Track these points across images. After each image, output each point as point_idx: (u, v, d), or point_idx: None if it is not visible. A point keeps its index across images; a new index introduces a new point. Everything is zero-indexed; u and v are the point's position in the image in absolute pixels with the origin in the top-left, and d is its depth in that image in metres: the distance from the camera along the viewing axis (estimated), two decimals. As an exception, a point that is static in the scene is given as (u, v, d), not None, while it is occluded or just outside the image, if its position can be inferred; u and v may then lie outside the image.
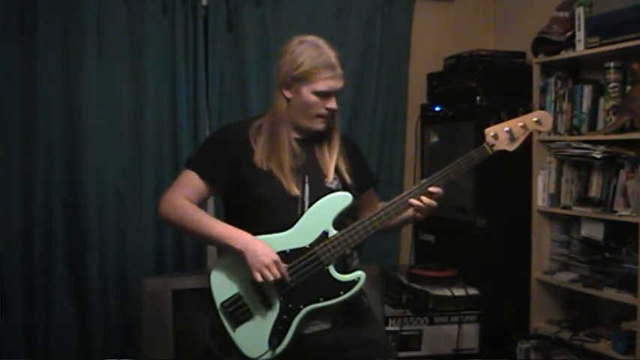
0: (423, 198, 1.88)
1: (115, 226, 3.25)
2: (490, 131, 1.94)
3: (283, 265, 1.85)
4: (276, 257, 1.83)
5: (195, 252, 3.33)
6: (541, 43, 3.08)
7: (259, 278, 1.82)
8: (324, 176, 1.95)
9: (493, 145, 1.93)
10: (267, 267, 1.81)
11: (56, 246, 3.18)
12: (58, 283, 3.18)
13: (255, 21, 3.38)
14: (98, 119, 3.21)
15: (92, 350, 3.20)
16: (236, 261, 1.88)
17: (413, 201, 1.88)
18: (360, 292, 1.93)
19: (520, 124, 1.95)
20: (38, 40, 3.10)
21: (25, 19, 3.09)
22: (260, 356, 1.84)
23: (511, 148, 1.95)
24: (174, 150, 3.30)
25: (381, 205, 1.97)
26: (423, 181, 1.91)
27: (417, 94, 3.70)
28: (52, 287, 3.17)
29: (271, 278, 1.81)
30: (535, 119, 1.96)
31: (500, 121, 1.98)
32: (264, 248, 1.84)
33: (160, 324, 2.79)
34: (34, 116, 3.13)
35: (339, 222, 1.90)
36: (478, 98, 3.24)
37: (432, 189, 1.88)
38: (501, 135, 1.94)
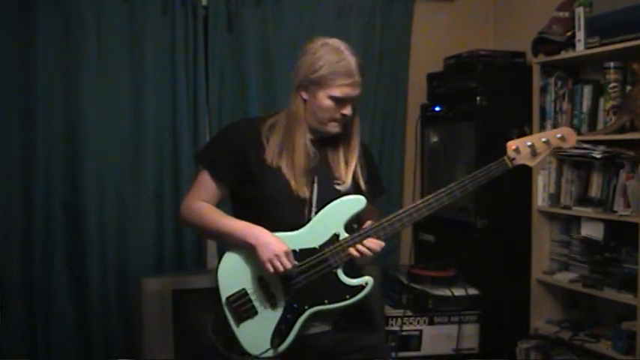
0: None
1: (115, 226, 3.25)
2: (512, 145, 1.92)
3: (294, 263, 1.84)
4: (287, 248, 1.83)
5: (195, 252, 3.34)
6: (541, 43, 3.08)
7: (270, 268, 1.81)
8: (334, 177, 1.94)
9: (514, 159, 1.92)
10: (277, 257, 1.81)
11: (56, 246, 3.19)
12: (58, 283, 3.19)
13: (255, 21, 3.38)
14: (98, 119, 3.21)
15: (92, 350, 3.21)
16: (244, 256, 1.89)
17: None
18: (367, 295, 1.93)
19: (543, 139, 1.92)
20: (38, 39, 3.11)
21: (25, 19, 3.09)
22: (261, 354, 1.84)
23: (532, 163, 1.94)
24: (175, 150, 3.30)
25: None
26: (438, 192, 1.89)
27: (417, 94, 3.70)
28: (52, 287, 3.18)
29: (281, 268, 1.81)
30: (559, 135, 1.93)
31: (523, 134, 1.96)
32: (276, 241, 1.83)
33: (160, 324, 2.79)
34: (34, 116, 3.13)
35: (351, 226, 1.90)
36: (478, 98, 3.24)
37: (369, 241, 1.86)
38: (523, 149, 1.92)
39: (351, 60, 1.87)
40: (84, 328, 3.22)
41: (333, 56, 1.86)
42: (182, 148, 3.28)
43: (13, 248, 3.13)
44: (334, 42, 1.90)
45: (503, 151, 1.93)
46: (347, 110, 1.90)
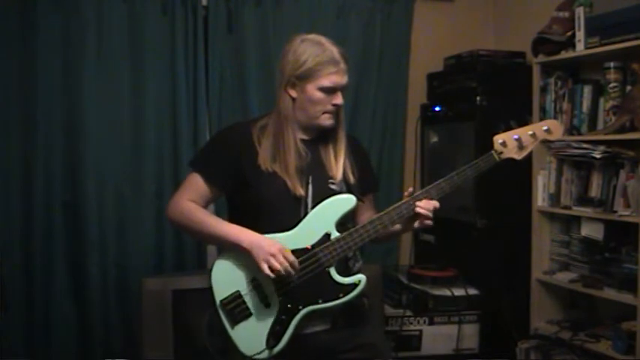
0: (422, 202, 1.88)
1: (115, 226, 3.25)
2: (499, 139, 1.93)
3: (292, 259, 1.83)
4: (282, 246, 1.82)
5: (195, 252, 3.34)
6: (541, 43, 3.08)
7: (266, 269, 1.80)
8: (328, 177, 1.94)
9: (501, 153, 1.93)
10: (273, 255, 1.80)
11: (56, 246, 3.18)
12: (58, 283, 3.18)
13: (255, 21, 3.38)
14: (98, 119, 3.21)
15: (92, 350, 3.20)
16: (237, 259, 1.89)
17: (419, 208, 1.88)
18: (361, 293, 1.93)
19: (529, 132, 1.94)
20: (38, 39, 3.10)
21: (25, 19, 3.09)
22: (257, 355, 1.84)
23: (519, 156, 1.94)
24: (174, 150, 3.30)
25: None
26: (427, 187, 1.92)
27: (417, 94, 3.70)
28: (52, 287, 3.17)
29: (278, 266, 1.80)
30: (545, 128, 1.95)
31: (509, 128, 1.98)
32: (270, 241, 1.83)
33: (160, 324, 2.79)
34: (34, 116, 3.13)
35: (342, 224, 1.90)
36: (478, 98, 3.25)
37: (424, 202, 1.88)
38: (510, 143, 1.93)
39: (333, 49, 1.89)
40: (84, 328, 3.22)
41: (315, 49, 1.88)
42: (182, 148, 3.28)
43: (13, 248, 3.13)
44: (313, 36, 1.93)
45: (491, 145, 1.94)
46: (337, 100, 1.91)
